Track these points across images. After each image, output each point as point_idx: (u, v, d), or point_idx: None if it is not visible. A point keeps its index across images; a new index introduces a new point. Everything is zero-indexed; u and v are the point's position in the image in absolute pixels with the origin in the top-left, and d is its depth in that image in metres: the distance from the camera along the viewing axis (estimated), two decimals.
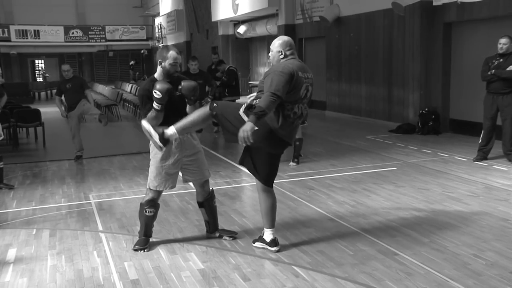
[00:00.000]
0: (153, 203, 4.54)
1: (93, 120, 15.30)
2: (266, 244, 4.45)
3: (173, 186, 4.56)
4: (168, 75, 4.39)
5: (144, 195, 4.64)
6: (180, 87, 4.31)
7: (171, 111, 4.34)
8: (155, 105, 4.21)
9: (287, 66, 4.00)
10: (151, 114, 4.26)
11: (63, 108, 9.10)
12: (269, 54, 4.28)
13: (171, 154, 4.44)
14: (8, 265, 4.34)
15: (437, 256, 4.23)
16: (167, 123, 4.35)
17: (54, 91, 9.21)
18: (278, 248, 4.41)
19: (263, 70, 22.21)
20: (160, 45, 29.83)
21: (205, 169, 4.66)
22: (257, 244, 4.53)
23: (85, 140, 9.42)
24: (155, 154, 4.47)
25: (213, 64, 12.02)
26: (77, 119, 8.95)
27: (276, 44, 4.19)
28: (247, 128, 3.73)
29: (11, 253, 4.60)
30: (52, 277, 4.06)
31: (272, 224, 4.41)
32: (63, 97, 9.09)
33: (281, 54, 4.15)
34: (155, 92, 4.18)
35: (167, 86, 4.20)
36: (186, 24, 26.81)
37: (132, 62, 33.28)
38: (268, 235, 4.44)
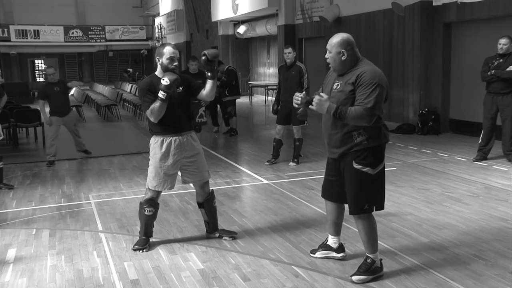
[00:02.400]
0: (152, 202, 4.53)
1: (92, 120, 15.31)
2: (332, 250, 4.24)
3: (171, 187, 4.56)
4: (167, 70, 4.39)
5: (143, 195, 4.64)
6: (205, 52, 4.40)
7: (173, 107, 4.34)
8: (160, 94, 4.23)
9: (383, 76, 3.63)
10: (155, 105, 4.26)
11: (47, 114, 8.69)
12: (327, 55, 3.74)
13: (170, 155, 4.43)
14: (8, 265, 4.34)
15: (437, 256, 4.23)
16: (169, 120, 4.37)
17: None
18: (345, 254, 4.24)
19: (263, 70, 22.22)
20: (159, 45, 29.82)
21: (204, 171, 4.65)
22: (319, 254, 4.28)
23: (85, 140, 9.41)
24: (154, 154, 4.47)
25: (216, 69, 11.99)
26: (59, 127, 8.65)
27: (335, 44, 3.66)
28: (325, 107, 3.56)
29: (11, 253, 4.60)
30: (52, 277, 4.06)
31: (338, 233, 4.25)
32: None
33: (343, 55, 3.64)
34: (163, 79, 4.23)
35: (177, 76, 4.28)
36: (186, 24, 26.81)
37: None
38: (334, 242, 4.25)
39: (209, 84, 4.54)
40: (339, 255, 4.23)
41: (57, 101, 8.61)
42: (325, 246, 4.28)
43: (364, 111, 3.49)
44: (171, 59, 4.39)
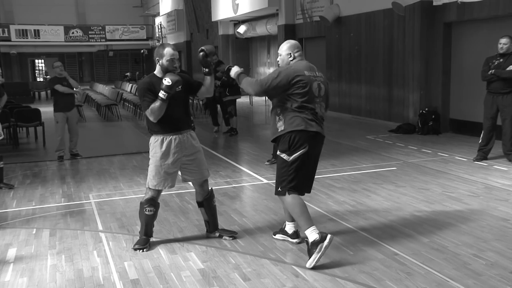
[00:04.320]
0: (152, 202, 4.53)
1: (92, 119, 15.33)
2: (288, 236, 4.61)
3: (172, 186, 4.56)
4: (167, 72, 4.39)
5: (144, 195, 4.64)
6: (203, 47, 4.48)
7: (173, 106, 4.35)
8: (161, 94, 4.23)
9: (293, 69, 4.17)
10: (155, 104, 4.26)
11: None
12: (278, 58, 4.39)
13: (171, 154, 4.44)
14: (8, 264, 4.34)
15: (437, 256, 4.23)
16: (168, 119, 4.37)
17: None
18: (299, 240, 4.54)
19: (263, 70, 22.23)
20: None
21: (204, 169, 4.66)
22: (278, 236, 4.70)
23: (85, 139, 9.42)
24: (154, 153, 4.46)
25: (212, 65, 11.97)
26: (65, 123, 8.81)
27: (285, 48, 4.33)
28: (234, 71, 4.42)
29: (11, 253, 4.60)
30: (52, 277, 4.06)
31: (293, 219, 4.57)
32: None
33: (290, 56, 4.30)
34: (165, 79, 4.23)
35: (178, 77, 4.29)
36: (186, 23, 26.82)
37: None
38: (290, 227, 4.60)
39: (207, 80, 4.56)
40: (294, 240, 4.57)
41: (64, 96, 8.72)
42: (283, 231, 4.68)
43: (256, 80, 4.24)
44: (172, 60, 4.39)
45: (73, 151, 9.07)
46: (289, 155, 4.14)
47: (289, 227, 4.62)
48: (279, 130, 4.19)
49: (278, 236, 4.70)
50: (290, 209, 4.23)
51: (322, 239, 3.97)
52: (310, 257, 4.00)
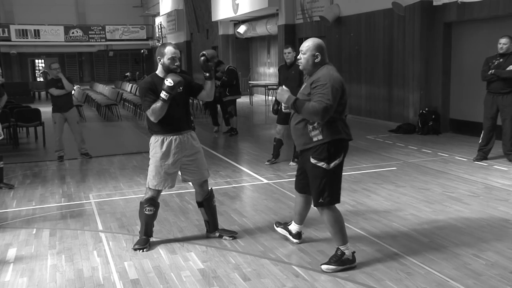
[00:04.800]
0: (152, 201, 4.54)
1: (92, 119, 15.33)
2: (290, 234, 4.61)
3: (172, 186, 4.57)
4: (169, 71, 4.40)
5: (144, 194, 4.64)
6: (204, 52, 4.48)
7: (173, 107, 4.35)
8: (163, 94, 4.23)
9: (339, 78, 3.90)
10: (156, 105, 4.27)
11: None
12: (299, 56, 4.02)
13: (171, 154, 4.44)
14: (8, 264, 4.34)
15: (437, 256, 4.23)
16: (169, 120, 4.37)
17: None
18: (300, 241, 4.57)
19: (263, 70, 22.23)
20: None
21: (204, 169, 4.66)
22: (279, 229, 4.70)
23: (85, 139, 9.39)
24: (154, 153, 4.47)
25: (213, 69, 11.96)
26: (63, 124, 8.82)
27: (311, 47, 3.94)
28: (284, 97, 3.93)
29: (11, 253, 4.60)
30: (52, 277, 4.06)
31: (300, 222, 4.57)
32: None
33: (316, 58, 3.93)
34: (167, 80, 4.23)
35: (180, 78, 4.28)
36: (186, 23, 26.82)
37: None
38: (294, 228, 4.59)
39: (208, 84, 4.55)
40: (295, 240, 4.58)
41: (61, 97, 8.72)
42: (286, 227, 4.67)
43: (319, 103, 3.74)
44: (173, 59, 4.39)
45: (82, 151, 9.10)
46: (328, 163, 3.89)
47: (294, 228, 4.58)
48: (315, 139, 3.88)
49: (280, 230, 4.70)
50: (330, 222, 3.99)
51: (352, 261, 4.02)
52: (330, 264, 3.98)
